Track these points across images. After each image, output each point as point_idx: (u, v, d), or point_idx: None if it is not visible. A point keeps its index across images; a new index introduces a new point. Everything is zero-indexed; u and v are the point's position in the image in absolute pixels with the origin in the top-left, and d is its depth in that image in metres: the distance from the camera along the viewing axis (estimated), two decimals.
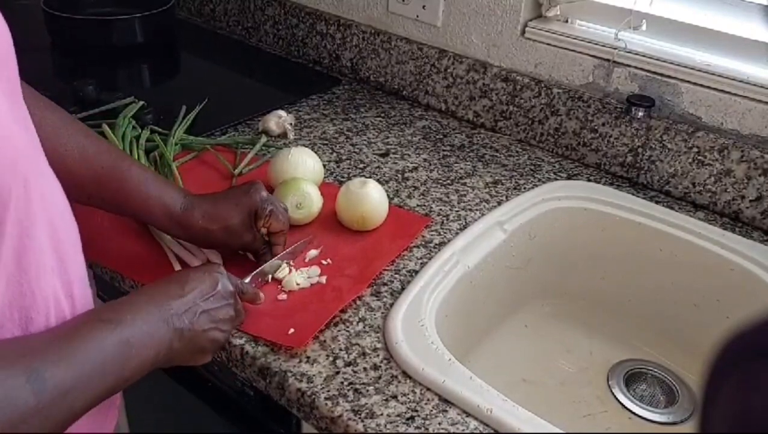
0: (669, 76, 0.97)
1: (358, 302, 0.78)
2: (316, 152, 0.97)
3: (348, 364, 0.70)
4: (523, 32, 1.09)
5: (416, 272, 0.82)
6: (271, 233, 0.79)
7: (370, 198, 0.87)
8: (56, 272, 0.54)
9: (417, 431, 0.63)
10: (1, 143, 0.47)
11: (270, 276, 0.79)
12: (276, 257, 0.79)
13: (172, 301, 0.61)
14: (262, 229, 0.78)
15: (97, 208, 0.78)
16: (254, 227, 0.77)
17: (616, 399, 0.89)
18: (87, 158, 0.71)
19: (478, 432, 0.64)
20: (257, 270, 0.77)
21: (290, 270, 0.80)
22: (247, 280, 0.75)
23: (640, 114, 0.98)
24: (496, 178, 1.02)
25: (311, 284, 0.79)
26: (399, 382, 0.68)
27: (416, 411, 0.65)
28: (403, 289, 0.79)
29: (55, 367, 0.48)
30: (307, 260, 0.83)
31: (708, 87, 0.95)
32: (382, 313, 0.76)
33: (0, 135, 0.48)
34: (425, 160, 1.06)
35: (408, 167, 1.04)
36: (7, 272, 0.49)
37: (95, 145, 0.73)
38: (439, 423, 0.64)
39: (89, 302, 0.62)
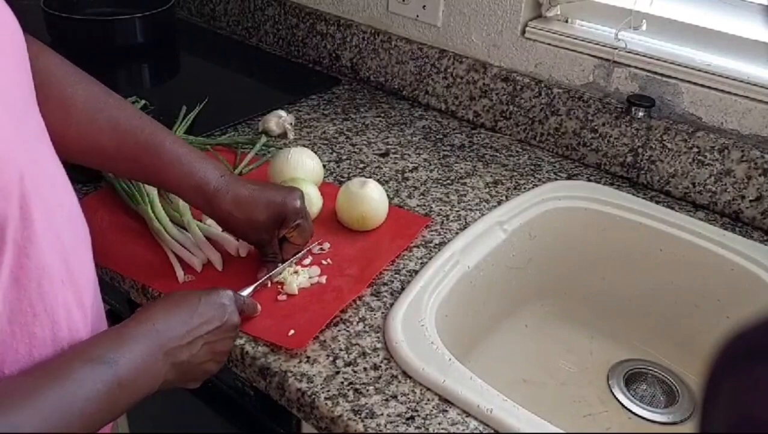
0: (669, 76, 0.97)
1: (358, 302, 0.78)
2: (316, 152, 0.97)
3: (348, 364, 0.70)
4: (523, 32, 1.09)
5: (416, 272, 0.82)
6: (288, 241, 0.79)
7: (370, 198, 0.87)
8: (66, 284, 0.54)
9: (417, 431, 0.63)
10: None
11: (270, 281, 0.78)
12: (281, 267, 0.79)
13: (177, 329, 0.60)
14: (282, 235, 0.78)
15: (129, 179, 0.82)
16: (276, 231, 0.77)
17: (616, 399, 0.89)
18: (119, 132, 0.71)
19: (478, 432, 0.64)
20: (260, 281, 0.76)
21: (291, 273, 0.79)
22: (249, 291, 0.74)
23: (640, 114, 0.98)
24: (496, 178, 1.02)
25: (311, 285, 0.79)
26: (399, 382, 0.68)
27: (416, 411, 0.65)
28: (403, 289, 0.79)
29: (34, 417, 0.46)
30: (315, 252, 0.83)
31: (708, 87, 0.95)
32: (382, 313, 0.76)
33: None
34: (425, 160, 1.06)
35: (408, 167, 1.04)
36: (4, 291, 0.49)
37: (129, 119, 0.72)
38: (439, 423, 0.64)
39: (100, 309, 0.62)
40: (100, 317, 0.62)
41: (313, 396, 0.66)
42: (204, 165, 0.73)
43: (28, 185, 0.50)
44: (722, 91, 0.94)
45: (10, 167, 0.48)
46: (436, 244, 0.87)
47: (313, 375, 0.68)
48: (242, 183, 0.75)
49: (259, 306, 0.73)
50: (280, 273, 0.79)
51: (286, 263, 0.79)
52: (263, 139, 1.05)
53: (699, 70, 0.95)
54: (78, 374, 0.51)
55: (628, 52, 1.00)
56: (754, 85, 0.91)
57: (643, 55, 0.99)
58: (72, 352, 0.53)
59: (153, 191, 0.87)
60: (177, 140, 0.74)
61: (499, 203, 0.96)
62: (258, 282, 0.76)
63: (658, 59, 0.98)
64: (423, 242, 0.88)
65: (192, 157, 0.73)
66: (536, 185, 1.00)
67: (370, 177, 0.94)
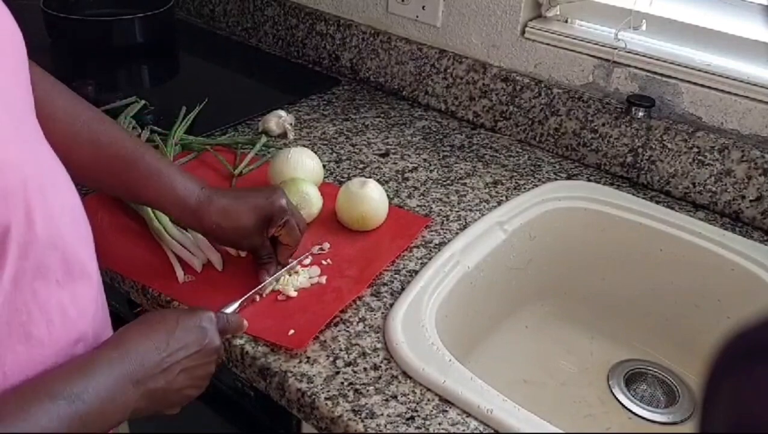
0: (669, 76, 0.97)
1: (358, 303, 0.78)
2: (316, 152, 0.97)
3: (348, 364, 0.70)
4: (522, 32, 1.09)
5: (416, 272, 0.82)
6: (279, 243, 0.78)
7: (370, 198, 0.87)
8: (62, 284, 0.53)
9: (417, 431, 0.63)
10: (2, 174, 0.46)
11: (268, 290, 0.77)
12: (278, 273, 0.78)
13: (151, 357, 0.57)
14: (272, 235, 0.76)
15: (109, 194, 0.80)
16: (265, 233, 0.76)
17: (617, 399, 0.89)
18: (100, 146, 0.70)
19: (478, 432, 0.64)
20: (245, 297, 0.74)
21: (289, 276, 0.79)
22: (234, 307, 0.72)
23: (640, 114, 0.98)
24: (496, 178, 1.02)
25: (311, 285, 0.79)
26: (399, 382, 0.68)
27: (416, 411, 0.65)
28: (403, 289, 0.79)
29: None
30: (315, 252, 0.83)
31: (708, 87, 0.95)
32: (382, 313, 0.76)
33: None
34: (425, 160, 1.06)
35: (408, 167, 1.04)
36: (4, 292, 0.48)
37: (109, 133, 0.71)
38: (440, 424, 0.64)
39: (104, 308, 0.61)
40: (104, 317, 0.62)
41: (313, 397, 0.66)
42: (184, 179, 0.73)
43: (31, 187, 0.49)
44: (722, 91, 0.94)
45: (12, 169, 0.48)
46: (436, 244, 0.87)
47: (313, 376, 0.68)
48: (223, 193, 0.74)
49: (245, 323, 0.71)
50: (276, 282, 0.77)
51: (280, 271, 0.78)
52: (263, 139, 1.05)
53: (699, 70, 0.95)
54: (34, 413, 0.48)
55: (628, 52, 1.00)
56: (754, 85, 0.91)
57: (643, 55, 0.99)
58: (32, 386, 0.51)
59: None
60: (156, 154, 0.74)
61: (499, 203, 0.96)
62: (243, 298, 0.74)
63: (658, 59, 0.98)
64: (423, 243, 0.88)
65: (171, 170, 0.73)
66: (536, 185, 1.00)
67: (370, 177, 0.94)
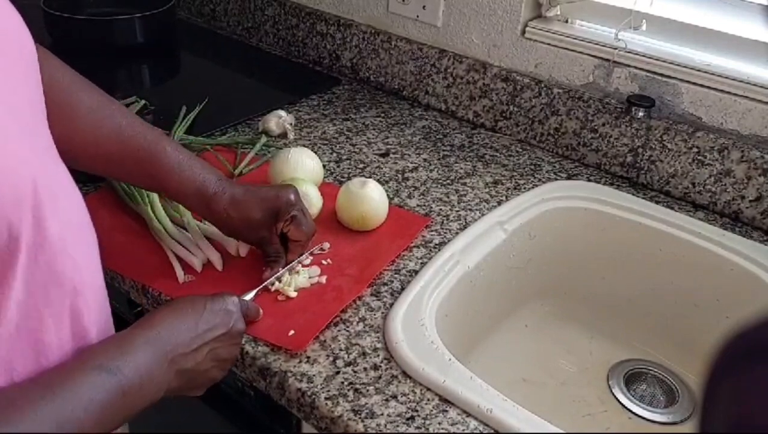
0: (669, 76, 0.98)
1: (358, 302, 0.78)
2: (316, 152, 0.97)
3: (348, 364, 0.70)
4: (523, 32, 1.09)
5: (416, 272, 0.82)
6: (289, 239, 0.78)
7: (370, 198, 0.87)
8: (73, 292, 0.54)
9: (417, 431, 0.63)
10: (11, 175, 0.46)
11: (275, 282, 0.78)
12: (285, 268, 0.78)
13: (183, 337, 0.59)
14: (281, 231, 0.77)
15: (131, 184, 0.83)
16: (273, 228, 0.77)
17: (616, 399, 0.89)
18: (123, 139, 0.72)
19: (478, 432, 0.64)
20: (262, 285, 0.76)
21: (290, 274, 0.79)
22: (251, 295, 0.74)
23: (640, 114, 0.98)
24: (496, 178, 1.02)
25: (311, 285, 0.79)
26: (399, 382, 0.68)
27: (416, 411, 0.65)
28: (403, 289, 0.79)
29: (32, 429, 0.46)
30: (315, 252, 0.83)
31: (708, 87, 0.95)
32: (382, 313, 0.76)
33: (8, 166, 0.46)
34: (425, 160, 1.06)
35: (408, 167, 1.04)
36: (17, 299, 0.48)
37: (132, 126, 0.73)
38: (439, 423, 0.64)
39: (108, 316, 0.61)
40: (108, 324, 0.62)
41: (313, 396, 0.66)
42: (203, 170, 0.75)
43: (40, 191, 0.49)
44: (722, 91, 0.94)
45: (23, 168, 0.47)
46: (436, 244, 0.87)
47: (313, 375, 0.68)
48: (238, 185, 0.77)
49: (261, 310, 0.73)
50: (278, 281, 0.78)
51: (289, 265, 0.79)
52: (263, 139, 1.05)
53: (699, 70, 0.95)
54: (79, 383, 0.50)
55: (628, 52, 1.00)
56: (754, 85, 0.91)
57: (643, 55, 0.99)
58: (75, 360, 0.53)
59: None
60: (177, 146, 0.76)
61: (499, 203, 0.96)
62: (260, 286, 0.75)
63: (658, 59, 0.98)
64: (423, 242, 0.88)
65: (192, 163, 0.75)
66: (536, 185, 1.00)
67: (370, 177, 0.94)
